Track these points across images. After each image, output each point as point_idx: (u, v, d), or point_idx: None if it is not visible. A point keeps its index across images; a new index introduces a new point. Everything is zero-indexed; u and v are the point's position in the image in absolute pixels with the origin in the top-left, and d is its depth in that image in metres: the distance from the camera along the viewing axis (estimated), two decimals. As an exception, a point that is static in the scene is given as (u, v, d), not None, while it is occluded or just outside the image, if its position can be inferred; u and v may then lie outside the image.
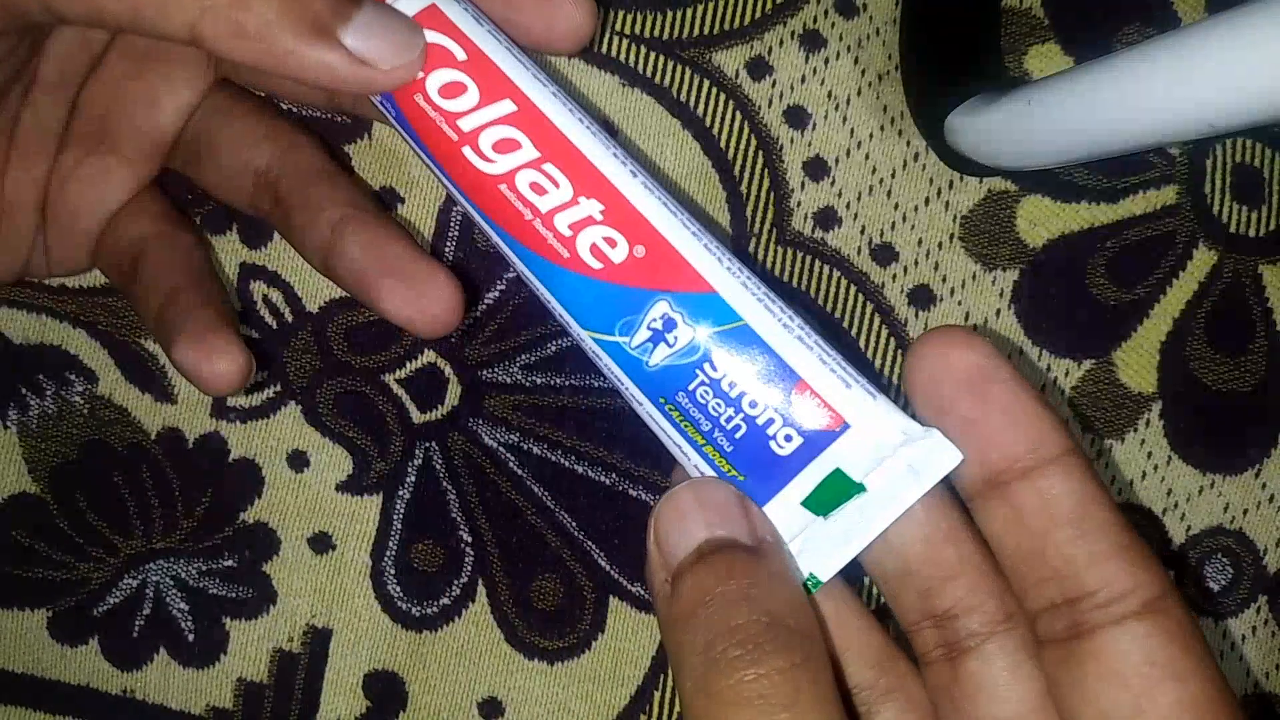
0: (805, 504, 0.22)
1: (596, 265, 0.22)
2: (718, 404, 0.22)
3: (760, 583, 0.20)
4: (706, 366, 0.22)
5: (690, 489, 0.22)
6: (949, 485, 0.23)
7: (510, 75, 0.23)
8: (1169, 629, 0.19)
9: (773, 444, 0.22)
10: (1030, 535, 0.20)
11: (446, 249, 0.38)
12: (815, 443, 0.22)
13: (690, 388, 0.22)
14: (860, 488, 0.21)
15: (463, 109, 0.23)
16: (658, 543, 0.21)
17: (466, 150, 0.23)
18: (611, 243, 0.22)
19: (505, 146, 0.23)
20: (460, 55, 0.23)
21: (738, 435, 0.22)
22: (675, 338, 0.22)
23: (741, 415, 0.22)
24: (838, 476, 0.22)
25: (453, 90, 0.23)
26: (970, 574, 0.22)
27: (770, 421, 0.22)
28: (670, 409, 0.22)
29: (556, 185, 0.22)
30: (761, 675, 0.18)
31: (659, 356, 0.22)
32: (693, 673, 0.19)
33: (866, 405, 0.22)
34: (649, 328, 0.22)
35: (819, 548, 0.22)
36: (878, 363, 0.39)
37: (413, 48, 0.23)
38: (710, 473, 0.22)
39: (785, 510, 0.22)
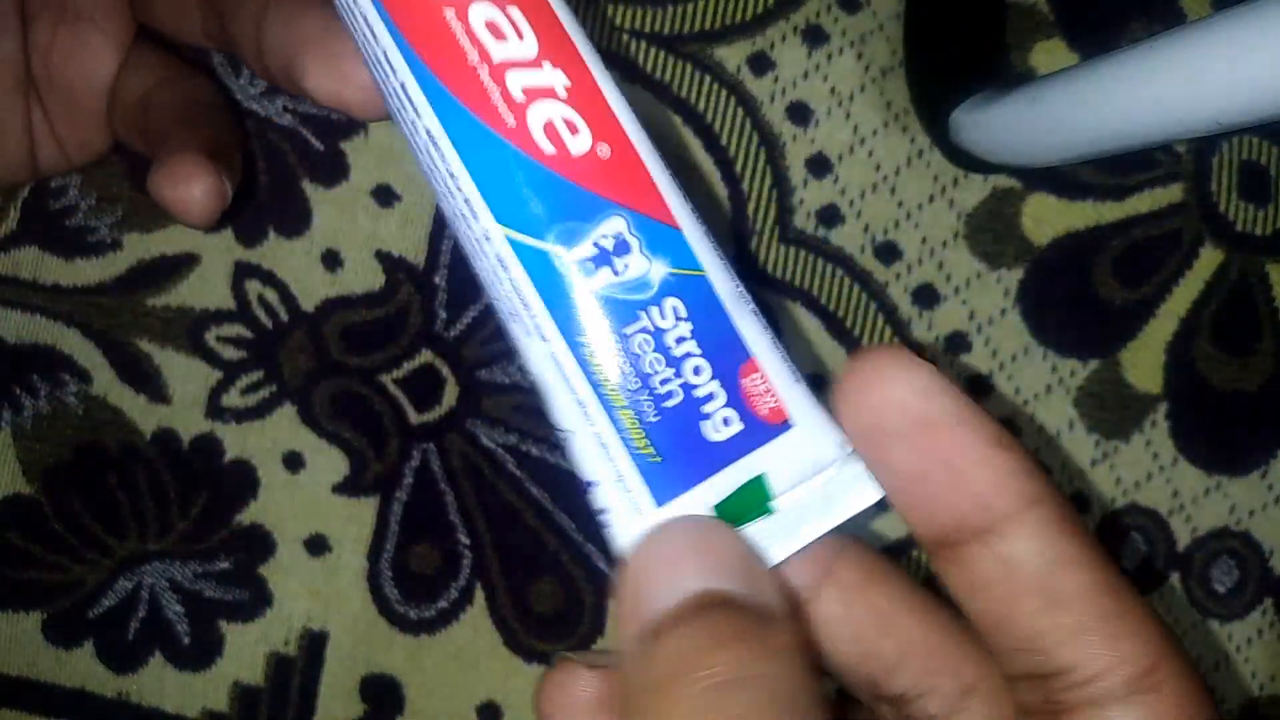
0: (719, 509, 0.18)
1: (549, 149, 0.17)
2: (656, 360, 0.18)
3: (762, 660, 0.16)
4: (654, 311, 0.18)
5: (686, 526, 0.17)
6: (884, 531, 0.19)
7: None
8: (1159, 710, 0.16)
9: (706, 425, 0.18)
10: (993, 603, 0.17)
11: (437, 279, 0.37)
12: (754, 434, 0.18)
13: (627, 331, 0.17)
14: (769, 509, 0.18)
15: None
16: (632, 586, 0.17)
17: None
18: (573, 128, 0.17)
19: None
20: None
21: (668, 404, 0.18)
22: (625, 265, 0.18)
23: (680, 381, 0.18)
24: (757, 486, 0.18)
25: None
26: (916, 659, 0.19)
27: (710, 397, 0.18)
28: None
29: (520, 36, 0.17)
30: None
31: (600, 283, 0.17)
32: None
33: (809, 405, 0.18)
34: (597, 244, 0.18)
35: None
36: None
37: None
38: (618, 445, 0.18)
39: (692, 510, 0.18)
